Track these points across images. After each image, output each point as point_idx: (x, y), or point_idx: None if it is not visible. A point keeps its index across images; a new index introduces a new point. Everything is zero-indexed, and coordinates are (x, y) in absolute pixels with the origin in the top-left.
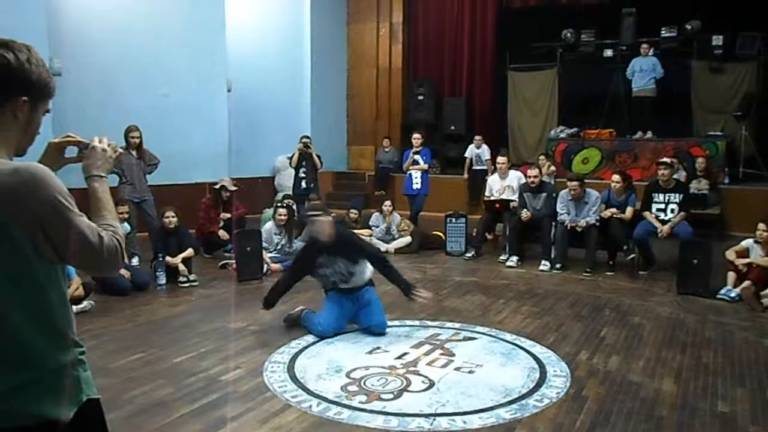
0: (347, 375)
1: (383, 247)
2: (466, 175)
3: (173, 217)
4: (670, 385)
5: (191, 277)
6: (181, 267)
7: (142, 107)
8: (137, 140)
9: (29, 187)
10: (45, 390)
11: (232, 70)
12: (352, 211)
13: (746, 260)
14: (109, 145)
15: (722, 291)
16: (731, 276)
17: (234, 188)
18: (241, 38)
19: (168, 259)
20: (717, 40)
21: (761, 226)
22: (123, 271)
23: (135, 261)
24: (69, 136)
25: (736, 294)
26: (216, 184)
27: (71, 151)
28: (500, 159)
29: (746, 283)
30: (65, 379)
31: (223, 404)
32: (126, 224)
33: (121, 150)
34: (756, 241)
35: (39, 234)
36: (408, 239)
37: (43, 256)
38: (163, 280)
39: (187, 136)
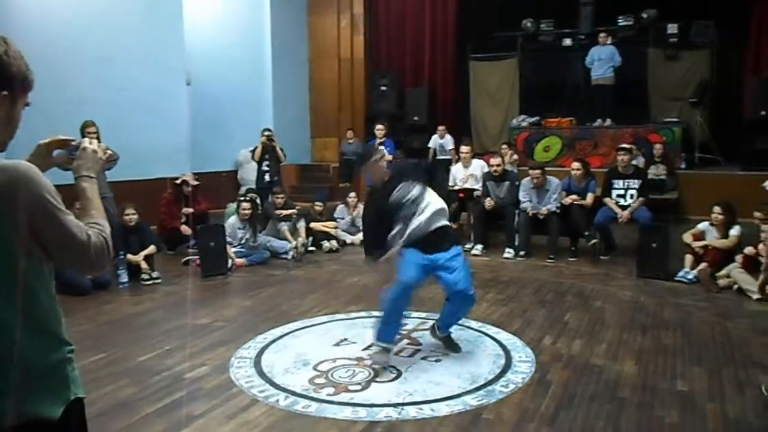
0: (315, 368)
1: (348, 239)
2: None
3: (133, 214)
4: (631, 367)
5: (154, 275)
6: (144, 264)
7: (99, 102)
8: (94, 136)
9: (17, 185)
10: (34, 389)
11: (191, 63)
12: (317, 203)
13: (702, 243)
14: (100, 147)
15: (680, 273)
16: (688, 258)
17: (196, 183)
18: (200, 30)
19: (129, 257)
20: (672, 28)
21: (716, 209)
22: None
23: None
24: (58, 137)
25: (694, 276)
26: (177, 179)
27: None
28: (463, 148)
29: (703, 265)
30: (54, 378)
31: (188, 402)
32: None
33: (111, 152)
34: (711, 224)
35: (27, 232)
36: None
37: (32, 254)
38: (124, 278)
39: (147, 130)
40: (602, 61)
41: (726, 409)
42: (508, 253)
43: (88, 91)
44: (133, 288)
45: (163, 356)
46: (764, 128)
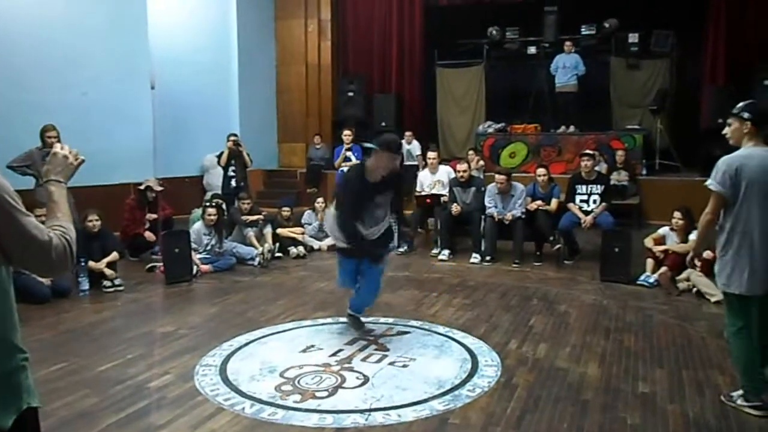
0: (281, 375)
1: (316, 245)
2: None
3: (97, 220)
4: (594, 370)
5: (116, 282)
6: (108, 271)
7: (60, 106)
8: (54, 140)
9: None
10: None
11: (155, 66)
12: (284, 209)
13: (663, 247)
14: (70, 153)
15: (641, 277)
16: (649, 263)
17: (160, 188)
18: (165, 34)
19: (91, 263)
20: (633, 37)
21: (676, 214)
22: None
23: None
24: None
25: (655, 280)
26: (141, 184)
27: None
28: (430, 154)
29: (663, 269)
30: (6, 387)
31: (151, 411)
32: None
33: (83, 158)
34: (672, 229)
35: None
36: None
37: None
38: (85, 285)
39: (109, 135)
40: (567, 69)
41: (686, 409)
42: (475, 258)
43: (49, 94)
44: (95, 295)
45: (125, 365)
46: (721, 136)
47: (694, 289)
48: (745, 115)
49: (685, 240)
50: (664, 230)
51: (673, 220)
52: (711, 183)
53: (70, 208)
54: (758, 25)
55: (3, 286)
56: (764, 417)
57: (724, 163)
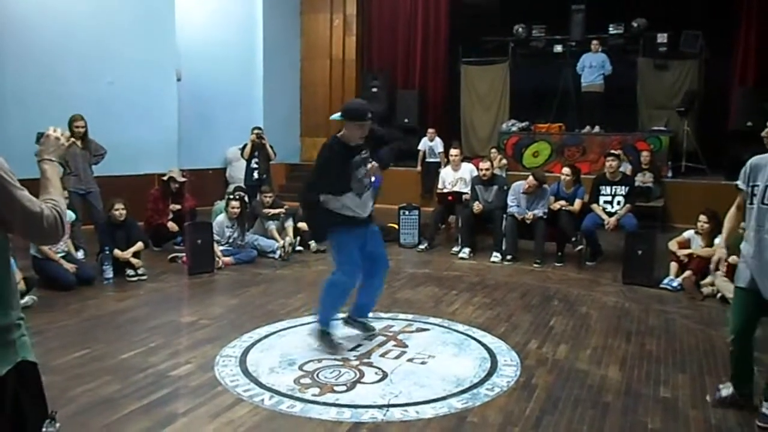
0: (300, 368)
1: None
2: (419, 168)
3: (122, 209)
4: (615, 372)
5: (140, 271)
6: (134, 260)
7: (88, 96)
8: (82, 130)
9: None
10: None
11: (182, 58)
12: None
13: (687, 251)
14: (62, 135)
15: (665, 280)
16: (673, 266)
17: (183, 179)
18: (192, 26)
19: (118, 252)
20: (662, 37)
21: (702, 217)
22: (68, 265)
23: (80, 254)
24: None
25: (678, 283)
26: (165, 175)
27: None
28: (453, 152)
29: (687, 273)
30: (1, 340)
31: (172, 400)
32: (70, 212)
33: (73, 139)
34: (697, 233)
35: None
36: None
37: None
38: (110, 274)
39: (135, 126)
40: (593, 68)
41: (708, 416)
42: (495, 257)
43: (76, 85)
44: (118, 284)
45: (147, 353)
46: (749, 138)
47: (719, 295)
48: None
49: (710, 244)
50: (689, 233)
51: (699, 224)
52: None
53: (97, 197)
54: None
55: (2, 252)
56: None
57: (748, 161)
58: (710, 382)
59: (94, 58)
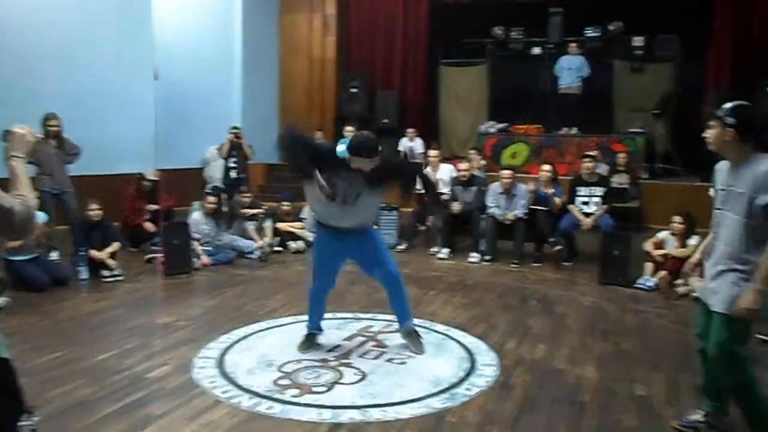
0: (279, 369)
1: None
2: None
3: (97, 209)
4: (592, 372)
5: (116, 272)
6: (110, 261)
7: (63, 95)
8: (56, 129)
9: None
10: None
11: (159, 57)
12: (284, 203)
13: (662, 251)
14: (29, 132)
15: (640, 280)
16: (648, 266)
17: (155, 178)
18: (170, 25)
19: (94, 252)
20: (638, 41)
21: (676, 218)
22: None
23: (54, 255)
24: None
25: (653, 283)
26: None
27: None
28: (432, 152)
29: (662, 273)
30: None
31: (149, 402)
32: (40, 213)
33: (39, 136)
34: (671, 233)
35: None
36: None
37: None
38: (85, 274)
39: (112, 125)
40: (571, 70)
41: (682, 413)
42: (474, 257)
43: (51, 83)
44: (94, 285)
45: (123, 355)
46: None
47: (693, 294)
48: (729, 120)
49: (684, 244)
50: (663, 234)
51: (673, 225)
52: None
53: (72, 197)
54: (763, 31)
55: None
56: None
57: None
58: (684, 381)
59: (69, 56)
